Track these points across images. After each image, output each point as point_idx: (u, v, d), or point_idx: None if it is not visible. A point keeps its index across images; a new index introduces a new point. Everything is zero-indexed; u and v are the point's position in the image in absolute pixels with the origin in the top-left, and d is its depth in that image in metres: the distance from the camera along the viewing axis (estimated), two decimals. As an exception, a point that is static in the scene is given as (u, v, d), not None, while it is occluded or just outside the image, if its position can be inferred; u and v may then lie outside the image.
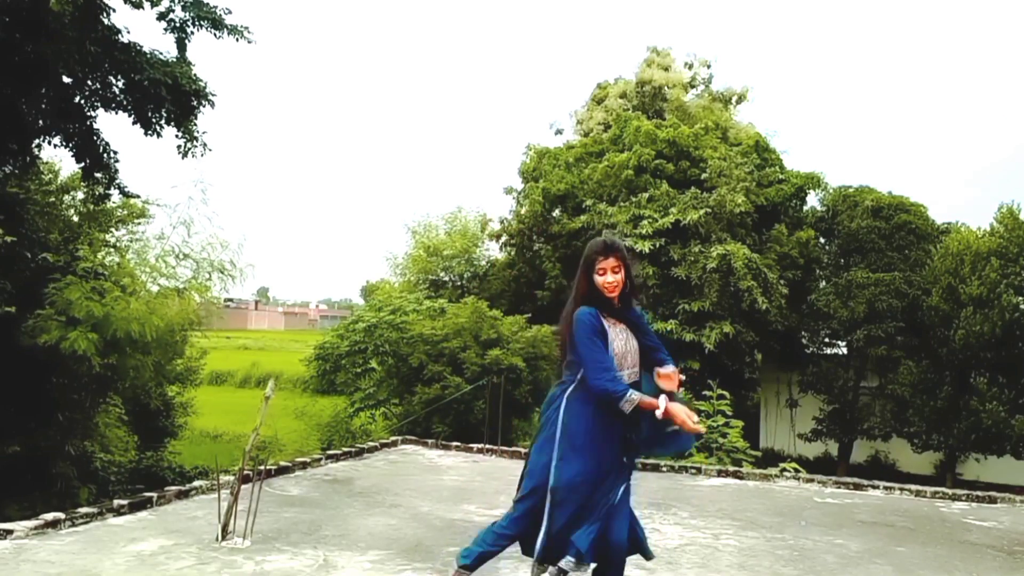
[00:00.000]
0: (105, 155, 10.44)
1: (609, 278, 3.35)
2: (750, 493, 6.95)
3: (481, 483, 6.86)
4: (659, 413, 3.19)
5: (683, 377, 3.42)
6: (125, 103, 10.23)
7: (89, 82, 10.12)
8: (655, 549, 4.85)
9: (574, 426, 3.34)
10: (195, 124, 10.55)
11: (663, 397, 3.24)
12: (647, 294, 16.87)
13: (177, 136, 10.54)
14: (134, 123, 10.32)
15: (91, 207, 12.34)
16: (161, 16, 10.25)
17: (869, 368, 18.01)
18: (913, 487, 7.33)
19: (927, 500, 6.95)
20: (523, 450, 7.74)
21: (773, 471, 7.86)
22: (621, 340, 3.40)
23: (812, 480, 7.56)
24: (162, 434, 15.66)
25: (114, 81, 10.14)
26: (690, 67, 25.39)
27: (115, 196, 11.56)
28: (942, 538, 5.52)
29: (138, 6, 9.98)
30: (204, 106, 10.49)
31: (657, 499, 6.29)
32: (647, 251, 16.39)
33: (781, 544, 5.15)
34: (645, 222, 16.63)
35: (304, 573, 4.14)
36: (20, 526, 4.60)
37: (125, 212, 13.58)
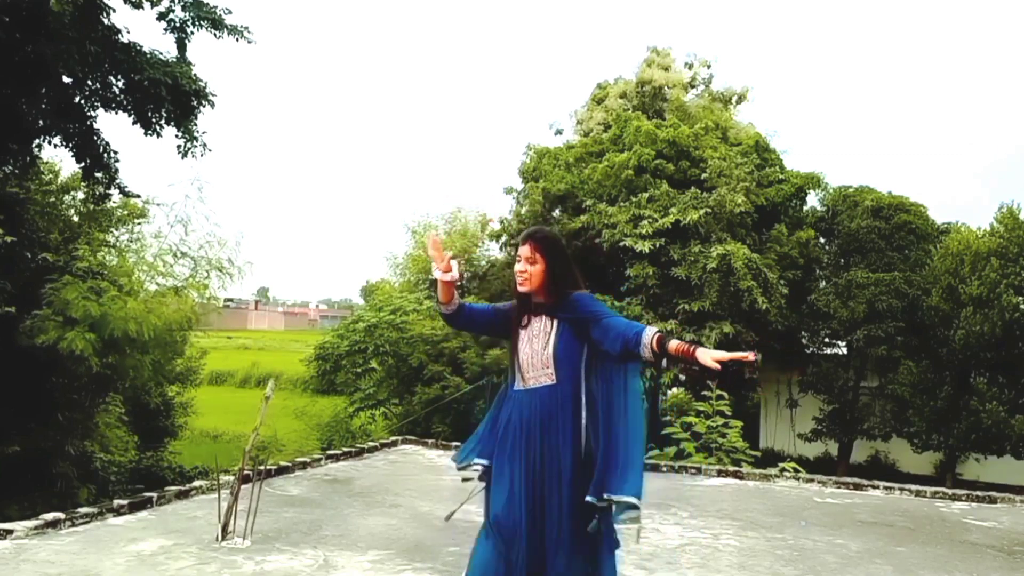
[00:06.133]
0: (105, 155, 10.45)
1: (519, 266, 3.00)
2: (750, 493, 6.95)
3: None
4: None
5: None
6: (125, 103, 10.25)
7: (89, 82, 10.13)
8: (655, 549, 4.88)
9: None
10: (195, 124, 10.57)
11: None
12: (646, 294, 16.85)
13: (177, 136, 10.57)
14: (134, 123, 10.34)
15: (91, 207, 12.35)
16: (161, 16, 10.27)
17: (869, 368, 17.98)
18: (913, 487, 7.32)
19: (927, 500, 6.94)
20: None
21: (773, 471, 7.85)
22: (537, 342, 3.01)
23: (812, 480, 7.55)
24: (162, 434, 15.70)
25: (114, 81, 10.16)
26: (690, 67, 25.35)
27: (115, 196, 11.59)
28: (942, 538, 5.51)
29: (138, 6, 9.99)
30: (204, 106, 10.52)
31: (657, 499, 6.28)
32: (647, 251, 16.39)
33: (781, 544, 5.15)
34: (645, 222, 16.62)
35: (304, 573, 4.14)
36: (20, 526, 4.60)
37: (125, 212, 13.60)
